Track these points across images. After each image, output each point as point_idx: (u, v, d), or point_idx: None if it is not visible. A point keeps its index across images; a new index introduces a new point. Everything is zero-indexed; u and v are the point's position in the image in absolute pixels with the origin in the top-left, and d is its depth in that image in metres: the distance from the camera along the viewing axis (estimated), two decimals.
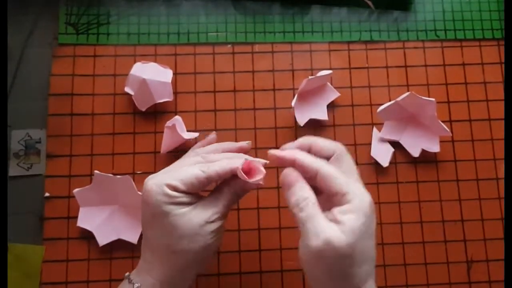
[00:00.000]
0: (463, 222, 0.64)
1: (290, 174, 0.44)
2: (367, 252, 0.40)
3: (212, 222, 0.43)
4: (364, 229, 0.39)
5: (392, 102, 0.64)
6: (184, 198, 0.43)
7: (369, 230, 0.40)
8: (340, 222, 0.39)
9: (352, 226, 0.38)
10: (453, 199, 0.65)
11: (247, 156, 0.48)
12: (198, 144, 0.57)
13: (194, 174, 0.43)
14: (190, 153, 0.52)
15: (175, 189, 0.42)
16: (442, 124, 0.63)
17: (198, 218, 0.43)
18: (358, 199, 0.40)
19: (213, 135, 0.58)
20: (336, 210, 0.40)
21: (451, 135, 0.64)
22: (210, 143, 0.55)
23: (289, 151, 0.45)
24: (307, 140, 0.47)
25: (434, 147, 0.65)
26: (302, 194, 0.42)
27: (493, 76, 0.69)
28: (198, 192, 0.46)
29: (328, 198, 0.41)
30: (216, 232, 0.44)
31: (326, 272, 0.39)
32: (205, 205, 0.44)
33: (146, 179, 0.44)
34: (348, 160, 0.45)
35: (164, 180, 0.42)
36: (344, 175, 0.42)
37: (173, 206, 0.42)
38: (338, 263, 0.38)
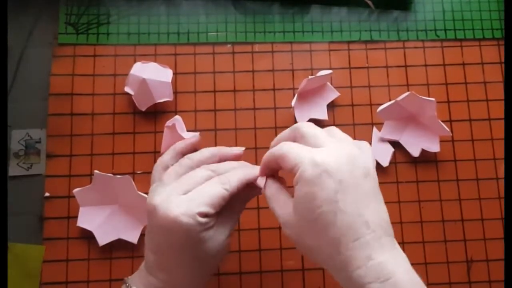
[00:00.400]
0: (463, 222, 0.64)
1: (269, 186, 0.45)
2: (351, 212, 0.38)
3: (231, 235, 0.45)
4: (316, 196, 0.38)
5: (392, 102, 0.64)
6: (213, 222, 0.42)
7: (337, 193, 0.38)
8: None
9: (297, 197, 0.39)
10: (453, 199, 0.65)
11: (253, 165, 0.49)
12: (181, 144, 0.54)
13: (220, 194, 0.42)
14: (186, 161, 0.47)
15: (206, 215, 0.41)
16: (442, 124, 0.63)
17: (222, 235, 0.43)
18: (302, 168, 0.38)
19: (195, 137, 0.55)
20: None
21: (451, 134, 0.64)
22: (193, 144, 0.54)
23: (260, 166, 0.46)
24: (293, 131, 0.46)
25: (434, 147, 0.65)
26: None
27: (493, 76, 0.69)
28: None
29: None
30: (230, 242, 0.45)
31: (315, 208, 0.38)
32: (223, 221, 0.44)
33: (158, 202, 0.42)
34: (302, 128, 0.43)
35: (193, 209, 0.40)
36: (297, 146, 0.41)
37: (205, 232, 0.42)
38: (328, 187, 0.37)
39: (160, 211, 0.41)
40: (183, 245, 0.41)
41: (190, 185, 0.43)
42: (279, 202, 0.43)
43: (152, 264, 0.44)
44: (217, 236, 0.43)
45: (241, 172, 0.45)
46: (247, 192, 0.46)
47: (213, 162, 0.47)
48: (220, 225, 0.43)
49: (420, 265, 0.62)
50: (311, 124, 0.43)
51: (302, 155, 0.39)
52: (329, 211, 0.37)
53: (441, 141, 0.65)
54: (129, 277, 0.46)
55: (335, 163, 0.38)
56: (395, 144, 0.66)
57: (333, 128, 0.44)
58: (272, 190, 0.44)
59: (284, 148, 0.41)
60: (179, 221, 0.40)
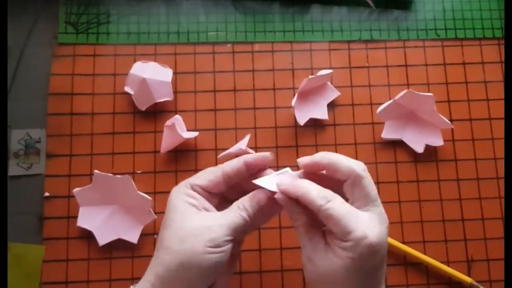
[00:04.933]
0: (463, 221, 0.64)
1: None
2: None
3: (210, 228, 0.40)
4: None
5: (390, 101, 0.64)
6: (196, 201, 0.42)
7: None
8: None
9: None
10: (454, 198, 0.65)
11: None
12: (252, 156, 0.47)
13: (208, 169, 0.44)
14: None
15: (190, 185, 0.43)
16: (443, 117, 0.63)
17: (199, 220, 0.41)
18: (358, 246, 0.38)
19: (267, 153, 0.46)
20: (335, 244, 0.40)
21: (452, 127, 0.64)
22: (263, 160, 0.46)
23: (293, 185, 0.42)
24: (325, 158, 0.43)
25: (437, 141, 0.65)
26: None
27: (494, 75, 0.69)
28: (218, 200, 0.46)
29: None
30: (213, 244, 0.39)
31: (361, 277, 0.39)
32: (212, 214, 0.42)
33: (173, 235, 0.41)
34: (363, 185, 0.41)
35: (187, 181, 0.43)
36: (350, 209, 0.40)
37: (184, 204, 0.42)
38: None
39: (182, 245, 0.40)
40: (167, 212, 0.43)
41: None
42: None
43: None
44: (199, 220, 0.41)
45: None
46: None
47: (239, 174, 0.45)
48: (210, 215, 0.43)
49: (420, 264, 0.62)
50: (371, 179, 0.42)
51: (371, 224, 0.39)
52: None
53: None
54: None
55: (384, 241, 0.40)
56: (397, 143, 0.66)
57: (361, 179, 0.42)
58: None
59: (343, 209, 0.39)
60: (172, 190, 0.44)
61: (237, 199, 0.44)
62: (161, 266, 0.40)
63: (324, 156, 0.43)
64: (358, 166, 0.41)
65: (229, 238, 0.40)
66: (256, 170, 0.46)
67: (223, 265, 0.41)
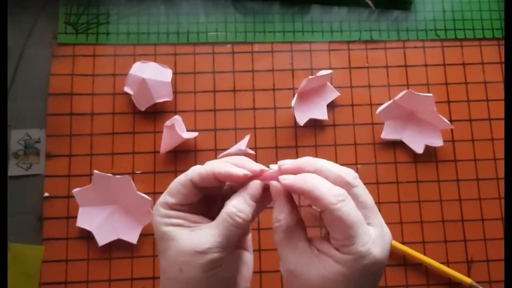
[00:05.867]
0: (463, 222, 0.64)
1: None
2: None
3: (205, 252, 0.35)
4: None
5: (390, 102, 0.64)
6: (180, 220, 0.37)
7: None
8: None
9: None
10: (453, 199, 0.65)
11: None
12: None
13: (178, 180, 0.37)
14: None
15: (167, 205, 0.37)
16: (442, 117, 0.63)
17: (189, 244, 0.36)
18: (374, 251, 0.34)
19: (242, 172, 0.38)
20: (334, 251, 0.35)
21: (452, 127, 0.64)
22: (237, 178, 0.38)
23: (301, 178, 0.36)
24: (310, 163, 0.37)
25: (437, 142, 0.65)
26: None
27: (493, 76, 0.69)
28: (198, 212, 0.39)
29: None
30: (211, 266, 0.36)
31: None
32: (202, 231, 0.37)
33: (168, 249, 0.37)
34: (356, 194, 0.36)
35: (161, 201, 0.37)
36: (361, 219, 0.34)
37: (170, 228, 0.37)
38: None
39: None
40: (157, 239, 0.38)
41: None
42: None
43: None
44: (184, 242, 0.36)
45: (219, 164, 0.37)
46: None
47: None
48: (196, 232, 0.37)
49: (420, 265, 0.62)
50: (366, 189, 0.37)
51: (372, 235, 0.34)
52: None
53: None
54: None
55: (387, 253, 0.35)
56: (396, 144, 0.66)
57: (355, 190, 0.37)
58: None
59: (355, 215, 0.34)
60: (153, 211, 0.38)
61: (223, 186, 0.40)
62: None
63: (309, 162, 0.37)
64: (348, 174, 0.35)
65: (225, 253, 0.36)
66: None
67: (229, 276, 0.38)
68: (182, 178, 0.37)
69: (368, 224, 0.35)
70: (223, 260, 0.36)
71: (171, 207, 0.37)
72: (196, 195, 0.38)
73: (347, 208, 0.33)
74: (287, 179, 0.36)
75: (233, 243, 0.37)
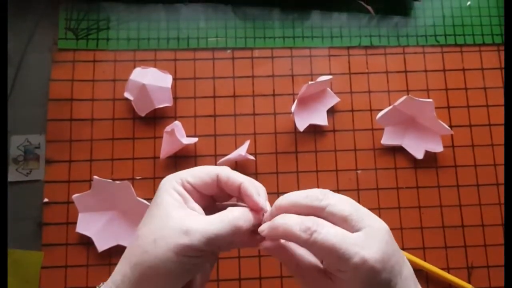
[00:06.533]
0: (463, 227, 0.64)
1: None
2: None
3: (189, 234, 0.35)
4: None
5: (389, 107, 0.64)
6: (184, 199, 0.37)
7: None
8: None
9: None
10: (454, 204, 0.65)
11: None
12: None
13: (204, 169, 0.38)
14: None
15: (182, 181, 0.38)
16: (442, 123, 0.63)
17: (180, 221, 0.36)
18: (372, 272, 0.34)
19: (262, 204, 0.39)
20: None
21: (452, 133, 0.64)
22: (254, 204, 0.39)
23: (272, 226, 0.36)
24: (279, 205, 0.37)
25: (437, 147, 0.65)
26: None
27: (493, 81, 0.69)
28: (209, 203, 0.40)
29: None
30: (186, 250, 0.35)
31: None
32: (199, 217, 0.37)
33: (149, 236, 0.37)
34: (331, 213, 0.35)
35: (179, 174, 0.38)
36: (340, 234, 0.34)
37: (171, 200, 0.37)
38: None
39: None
40: (151, 205, 0.39)
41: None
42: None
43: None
44: (174, 219, 0.36)
45: (249, 179, 0.38)
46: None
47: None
48: (190, 216, 0.37)
49: (421, 271, 0.62)
50: (341, 199, 0.36)
51: (362, 253, 0.33)
52: None
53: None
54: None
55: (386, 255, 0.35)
56: (396, 149, 0.66)
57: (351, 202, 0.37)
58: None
59: (332, 237, 0.33)
60: (162, 182, 0.39)
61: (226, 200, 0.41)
62: (129, 267, 0.36)
63: (278, 204, 0.37)
64: (314, 199, 0.35)
65: (205, 248, 0.35)
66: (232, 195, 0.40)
67: (195, 274, 0.38)
68: (209, 168, 0.38)
69: (355, 231, 0.34)
70: (201, 253, 0.35)
71: (183, 185, 0.38)
72: (212, 190, 0.39)
73: (322, 235, 0.33)
74: (264, 231, 0.37)
75: (217, 246, 0.36)
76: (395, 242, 0.36)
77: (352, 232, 0.34)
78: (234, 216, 0.37)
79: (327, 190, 0.36)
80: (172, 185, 0.38)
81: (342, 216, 0.35)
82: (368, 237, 0.34)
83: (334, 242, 0.33)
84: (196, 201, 0.39)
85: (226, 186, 0.38)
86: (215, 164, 0.64)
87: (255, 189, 0.38)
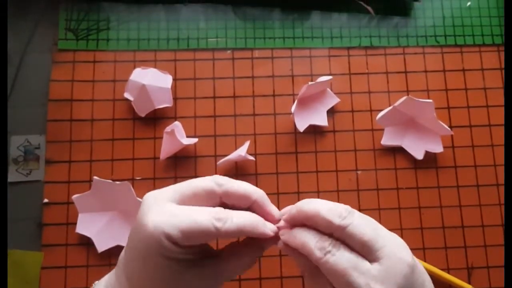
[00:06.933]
0: (463, 228, 0.64)
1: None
2: None
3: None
4: None
5: (389, 108, 0.64)
6: (183, 255, 0.33)
7: None
8: None
9: None
10: (454, 205, 0.65)
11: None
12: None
13: (204, 228, 0.32)
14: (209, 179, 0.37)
15: (174, 242, 0.32)
16: (442, 123, 0.63)
17: (188, 285, 0.34)
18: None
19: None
20: None
21: (452, 133, 0.64)
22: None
23: (291, 235, 0.35)
24: (302, 213, 0.35)
25: (437, 148, 0.65)
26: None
27: (493, 82, 0.69)
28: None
29: None
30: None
31: None
32: (206, 270, 0.35)
33: (146, 198, 0.35)
34: (353, 235, 0.33)
35: (163, 227, 0.32)
36: (354, 262, 0.32)
37: (167, 261, 0.33)
38: None
39: (144, 206, 0.34)
40: (146, 257, 0.33)
41: (189, 199, 0.35)
42: None
43: (120, 264, 0.37)
44: (183, 281, 0.34)
45: (250, 218, 0.35)
46: (246, 249, 0.37)
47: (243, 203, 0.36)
48: (197, 270, 0.34)
49: None
50: (363, 222, 0.34)
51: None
52: None
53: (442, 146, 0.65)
54: (96, 282, 0.38)
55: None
56: (396, 150, 0.66)
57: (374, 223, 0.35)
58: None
59: (344, 262, 0.32)
60: (147, 230, 0.32)
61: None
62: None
63: (301, 211, 0.35)
64: (337, 216, 0.33)
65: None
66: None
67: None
68: (208, 227, 0.33)
69: (373, 260, 0.33)
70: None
71: (177, 244, 0.33)
72: (212, 241, 0.35)
73: (335, 258, 0.32)
74: (284, 236, 0.36)
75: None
76: (421, 274, 0.34)
77: (370, 259, 0.33)
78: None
79: (352, 209, 0.34)
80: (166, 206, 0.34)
81: (361, 240, 0.32)
82: (384, 269, 0.32)
83: (346, 267, 0.32)
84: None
85: (227, 199, 0.35)
86: (215, 164, 0.64)
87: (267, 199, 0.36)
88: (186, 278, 0.34)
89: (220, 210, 0.34)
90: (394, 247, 0.33)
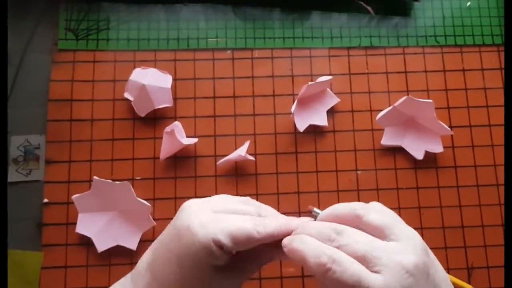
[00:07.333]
0: (463, 228, 0.64)
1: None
2: None
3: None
4: None
5: (389, 108, 0.64)
6: (224, 261, 0.35)
7: None
8: None
9: None
10: (454, 205, 0.65)
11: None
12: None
13: (248, 233, 0.34)
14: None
15: (221, 247, 0.34)
16: (442, 123, 0.63)
17: (219, 286, 0.35)
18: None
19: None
20: None
21: (452, 133, 0.64)
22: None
23: (292, 249, 0.34)
24: (330, 213, 0.36)
25: (437, 148, 0.65)
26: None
27: (493, 82, 0.69)
28: None
29: None
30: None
31: None
32: (234, 272, 0.36)
33: (188, 206, 0.37)
34: (367, 222, 0.34)
35: (215, 232, 0.34)
36: (360, 270, 0.31)
37: (209, 267, 0.34)
38: None
39: (185, 212, 0.36)
40: (185, 260, 0.35)
41: (225, 209, 0.37)
42: None
43: (141, 269, 0.39)
44: (220, 284, 0.36)
45: (281, 221, 0.36)
46: (270, 250, 0.38)
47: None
48: (228, 272, 0.36)
49: None
50: (380, 210, 0.35)
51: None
52: None
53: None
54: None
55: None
56: (396, 150, 0.66)
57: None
58: None
59: (343, 275, 0.31)
60: (196, 238, 0.34)
61: None
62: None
63: (328, 214, 0.36)
64: (354, 208, 0.34)
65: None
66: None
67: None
68: (251, 232, 0.34)
69: (388, 242, 0.32)
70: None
71: (224, 249, 0.34)
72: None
73: (340, 268, 0.31)
74: (285, 247, 0.35)
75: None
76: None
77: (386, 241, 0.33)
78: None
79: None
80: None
81: (378, 227, 0.33)
82: (389, 281, 0.31)
83: (352, 274, 0.31)
84: None
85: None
86: (215, 164, 0.64)
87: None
88: (218, 279, 0.35)
89: (256, 217, 0.36)
90: (406, 232, 0.33)
